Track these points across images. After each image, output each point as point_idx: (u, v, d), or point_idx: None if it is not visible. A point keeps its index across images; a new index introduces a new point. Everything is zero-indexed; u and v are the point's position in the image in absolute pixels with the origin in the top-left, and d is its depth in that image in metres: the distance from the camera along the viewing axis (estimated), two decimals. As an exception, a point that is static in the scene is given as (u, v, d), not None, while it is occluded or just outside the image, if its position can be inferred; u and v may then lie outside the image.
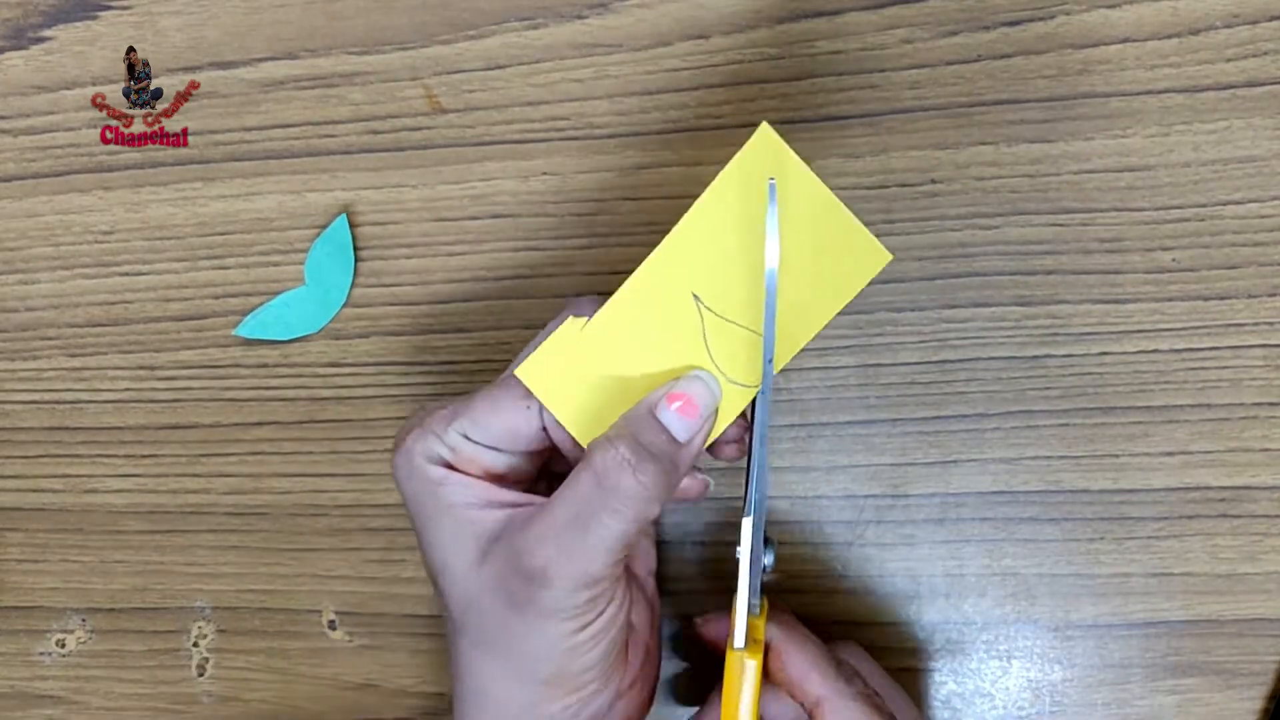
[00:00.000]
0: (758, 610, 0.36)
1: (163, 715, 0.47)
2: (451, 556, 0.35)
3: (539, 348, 0.35)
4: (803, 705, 0.36)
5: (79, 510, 0.47)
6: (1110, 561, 0.42)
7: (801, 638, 0.37)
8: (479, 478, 0.36)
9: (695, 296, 0.35)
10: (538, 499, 0.35)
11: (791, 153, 0.33)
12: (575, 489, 0.33)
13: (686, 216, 0.34)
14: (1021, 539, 0.42)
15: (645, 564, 0.40)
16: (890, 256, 0.34)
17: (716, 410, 0.35)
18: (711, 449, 0.36)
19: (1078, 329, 0.42)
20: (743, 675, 0.35)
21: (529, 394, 0.35)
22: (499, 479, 0.36)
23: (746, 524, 0.35)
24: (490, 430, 0.35)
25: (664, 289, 0.34)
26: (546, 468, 0.39)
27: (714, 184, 0.34)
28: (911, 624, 0.43)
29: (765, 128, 0.34)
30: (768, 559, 0.35)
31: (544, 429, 0.36)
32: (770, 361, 0.34)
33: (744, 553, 0.35)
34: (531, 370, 0.35)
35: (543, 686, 0.34)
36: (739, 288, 0.35)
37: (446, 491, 0.35)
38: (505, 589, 0.34)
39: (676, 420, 0.34)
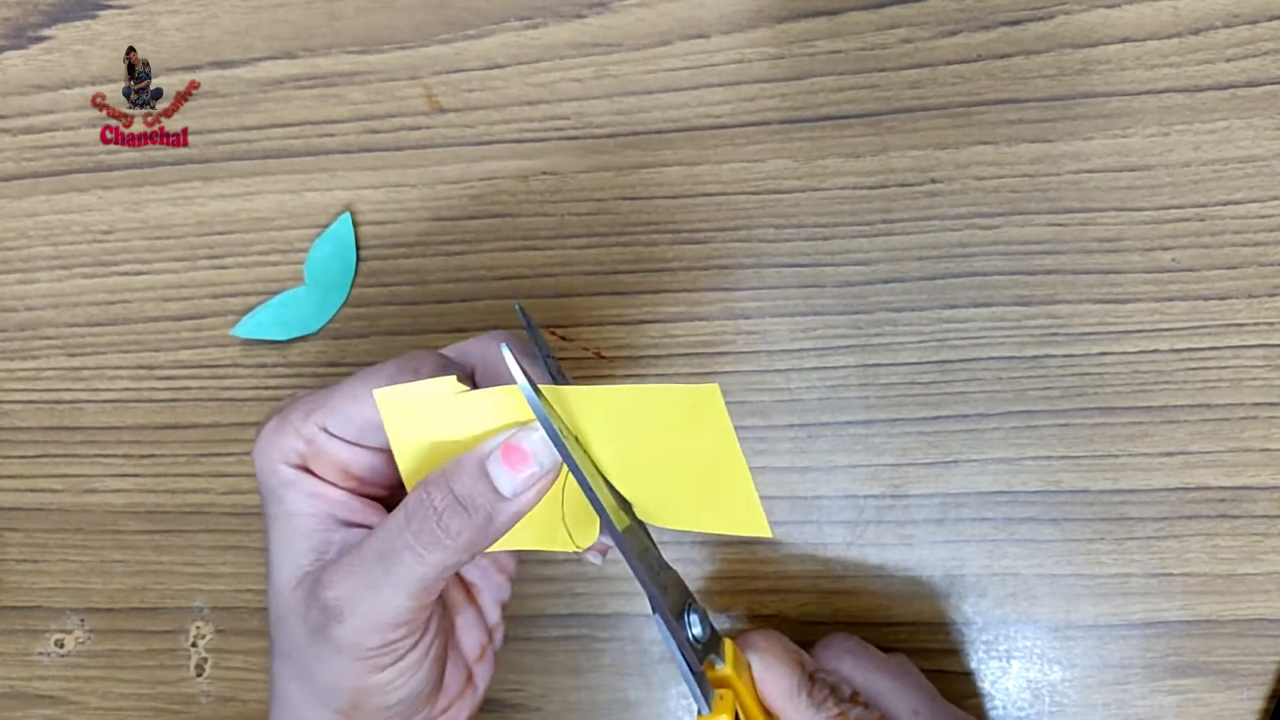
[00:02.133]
0: (702, 675, 0.33)
1: (161, 715, 0.47)
2: (276, 566, 0.34)
3: (409, 385, 0.32)
4: None
5: (78, 510, 0.47)
6: (1110, 562, 0.42)
7: (776, 662, 0.35)
8: (332, 482, 0.34)
9: (576, 440, 0.32)
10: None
11: (725, 415, 0.30)
12: (387, 526, 0.31)
13: (609, 390, 0.30)
14: (1021, 539, 0.42)
15: (494, 594, 0.38)
16: (770, 535, 0.31)
17: (550, 473, 0.31)
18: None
19: (1077, 329, 0.42)
20: None
21: (387, 381, 0.33)
22: (358, 483, 0.34)
23: (655, 619, 0.33)
24: (350, 422, 0.33)
25: (554, 416, 0.31)
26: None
27: (647, 389, 0.30)
28: (911, 624, 0.43)
29: (715, 391, 0.29)
30: (696, 630, 0.33)
31: None
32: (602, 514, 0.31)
33: (666, 640, 0.33)
34: (390, 398, 0.32)
35: (340, 716, 0.33)
36: (614, 472, 0.32)
37: (291, 496, 0.33)
38: (308, 615, 0.32)
39: (504, 473, 0.31)
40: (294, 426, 0.34)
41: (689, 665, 0.33)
